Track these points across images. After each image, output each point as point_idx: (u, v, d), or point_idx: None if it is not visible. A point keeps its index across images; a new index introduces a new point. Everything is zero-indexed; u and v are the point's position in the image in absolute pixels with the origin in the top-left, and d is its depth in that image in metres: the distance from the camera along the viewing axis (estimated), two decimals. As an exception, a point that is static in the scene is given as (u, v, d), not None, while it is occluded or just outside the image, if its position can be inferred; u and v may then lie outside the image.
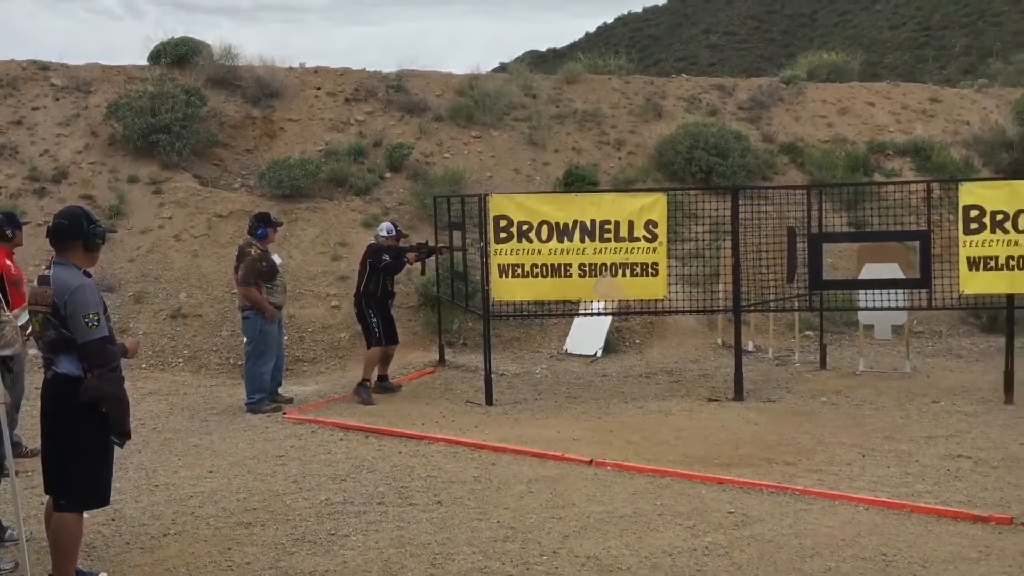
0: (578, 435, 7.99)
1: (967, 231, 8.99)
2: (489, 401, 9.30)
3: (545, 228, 9.34)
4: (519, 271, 9.33)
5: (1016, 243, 8.90)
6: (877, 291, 9.85)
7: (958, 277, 9.10)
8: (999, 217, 8.95)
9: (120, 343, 4.79)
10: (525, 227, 9.32)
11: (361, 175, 14.31)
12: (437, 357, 11.15)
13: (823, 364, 10.89)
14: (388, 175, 14.55)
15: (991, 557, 4.98)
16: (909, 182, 11.75)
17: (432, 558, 5.13)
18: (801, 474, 6.67)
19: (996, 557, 4.98)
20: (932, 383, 9.95)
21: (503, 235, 9.31)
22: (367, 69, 17.00)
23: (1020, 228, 8.91)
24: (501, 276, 9.32)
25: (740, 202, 9.82)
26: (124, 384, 4.63)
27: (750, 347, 11.82)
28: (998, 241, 8.94)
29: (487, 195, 9.52)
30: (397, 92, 16.20)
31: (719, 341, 12.10)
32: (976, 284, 9.05)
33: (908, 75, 49.13)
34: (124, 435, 4.60)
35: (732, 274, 9.58)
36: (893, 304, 9.86)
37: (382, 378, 9.90)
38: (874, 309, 9.96)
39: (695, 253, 12.65)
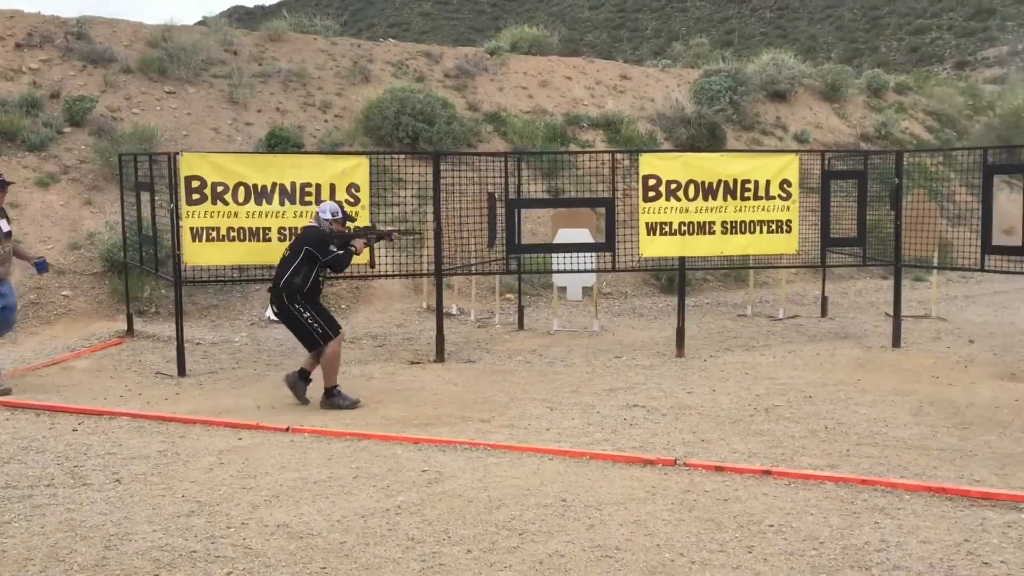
0: (277, 404, 7.79)
1: (646, 199, 9.70)
2: (182, 372, 8.83)
3: (242, 190, 8.95)
4: (214, 235, 8.88)
5: (687, 210, 9.74)
6: (569, 254, 10.41)
7: (639, 241, 9.83)
8: (673, 186, 9.73)
9: None
10: (220, 188, 8.87)
11: (35, 129, 12.94)
12: (125, 327, 10.40)
13: (521, 325, 11.37)
14: (68, 130, 13.28)
15: (657, 496, 5.42)
16: (596, 152, 12.48)
17: (106, 540, 4.77)
18: (494, 430, 6.92)
19: (661, 496, 5.43)
20: (616, 340, 10.71)
21: (196, 196, 8.80)
22: (42, 12, 15.37)
23: (691, 196, 9.76)
24: (194, 240, 8.82)
25: (443, 168, 9.95)
26: None
27: (454, 310, 12.11)
28: (672, 208, 9.73)
29: (177, 154, 8.95)
30: (78, 39, 14.80)
31: (424, 305, 12.28)
32: (653, 248, 9.80)
33: (607, 54, 52.30)
34: None
35: (435, 239, 9.72)
36: (584, 267, 10.48)
37: (305, 374, 7.94)
38: (563, 272, 10.52)
39: (402, 218, 12.71)
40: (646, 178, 9.72)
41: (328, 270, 7.88)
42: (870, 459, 6.13)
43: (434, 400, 7.87)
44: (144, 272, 10.69)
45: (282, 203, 8.98)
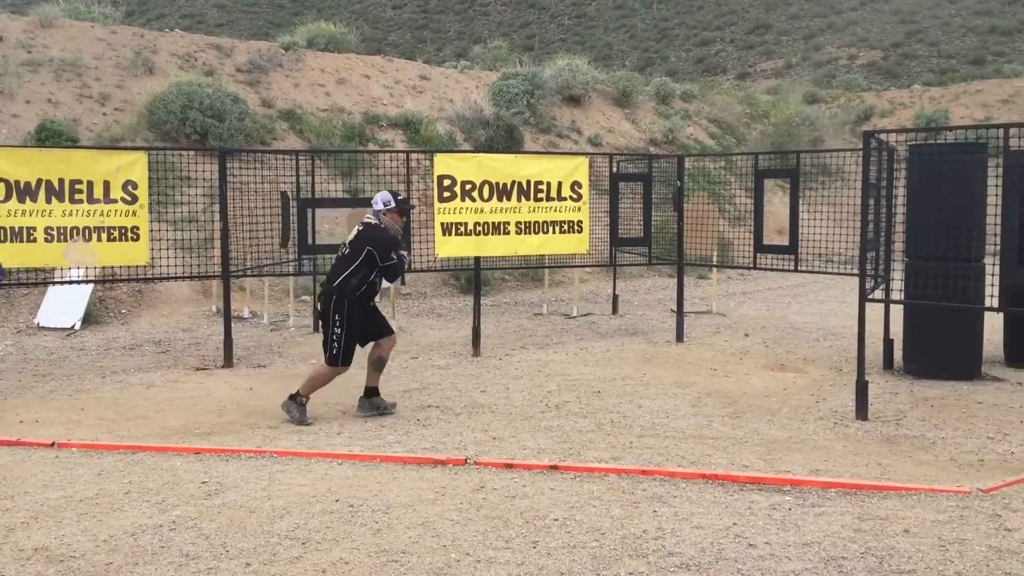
0: (43, 416, 7.20)
1: (441, 199, 9.71)
2: (-67, 386, 8.02)
3: (2, 187, 8.23)
4: (-31, 235, 8.11)
5: (482, 210, 9.82)
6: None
7: (435, 241, 9.81)
8: (468, 187, 9.79)
9: None
10: (-24, 184, 8.12)
11: None
12: None
13: (316, 328, 11.09)
14: None
15: (446, 496, 5.40)
16: (391, 151, 12.37)
17: None
18: (283, 436, 6.69)
19: (450, 496, 5.41)
20: (414, 340, 10.66)
21: (-54, 193, 8.02)
22: None
23: (486, 197, 9.86)
24: (-54, 240, 8.03)
25: (234, 166, 9.58)
26: None
27: (246, 313, 11.67)
28: (467, 208, 9.79)
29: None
30: None
31: (214, 308, 11.76)
32: (449, 248, 9.82)
33: (410, 54, 52.25)
34: None
35: (221, 239, 9.31)
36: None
37: (371, 391, 7.38)
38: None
39: (190, 217, 12.13)
40: (441, 178, 9.72)
41: (386, 277, 7.17)
42: (651, 450, 6.38)
43: (219, 408, 7.53)
44: None
45: (48, 201, 8.33)
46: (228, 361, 9.11)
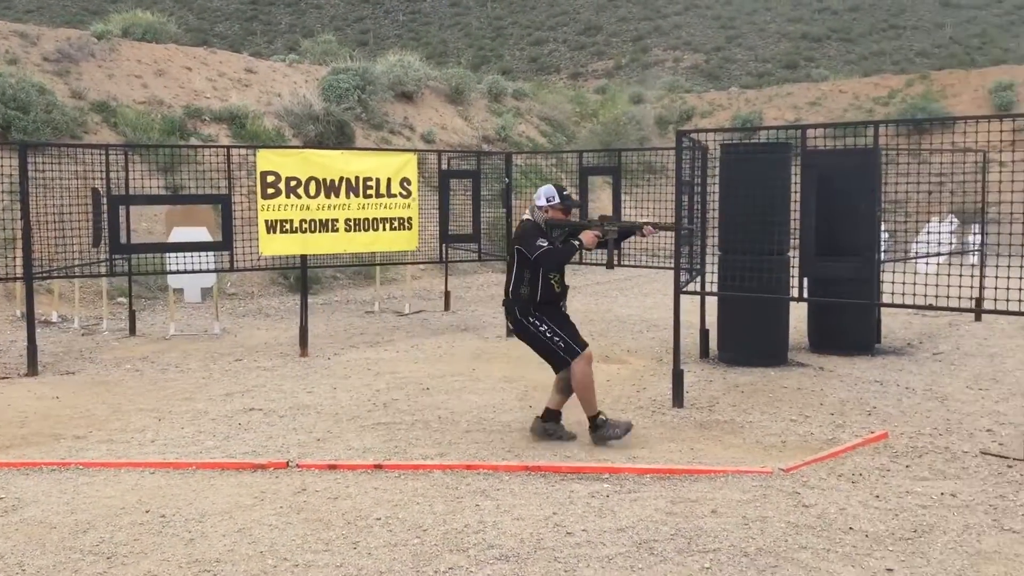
0: None
1: (265, 195, 9.44)
2: None
3: None
4: None
5: (309, 207, 9.63)
6: (186, 254, 9.86)
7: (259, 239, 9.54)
8: (293, 183, 9.57)
9: None
10: None
11: None
12: None
13: (133, 331, 10.59)
14: None
15: (265, 501, 5.26)
16: (211, 146, 11.92)
17: None
18: (90, 446, 6.34)
19: (270, 500, 5.27)
20: (239, 342, 10.33)
21: None
22: None
23: (312, 194, 9.66)
24: None
25: (40, 161, 9.00)
26: None
27: (55, 317, 10.99)
28: (293, 206, 9.56)
29: None
30: None
31: (18, 312, 11.01)
32: (274, 246, 9.57)
33: (238, 47, 50.58)
34: None
35: (23, 239, 8.72)
36: (203, 267, 9.97)
37: (552, 414, 6.55)
38: (177, 272, 9.96)
39: (-10, 216, 11.32)
40: (264, 175, 9.46)
41: (545, 268, 6.24)
42: (478, 444, 6.42)
43: (20, 418, 7.05)
44: None
45: None
46: (32, 369, 8.55)
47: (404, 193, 10.21)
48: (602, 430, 6.33)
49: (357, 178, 9.82)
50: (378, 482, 5.58)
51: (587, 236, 6.31)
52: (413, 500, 5.27)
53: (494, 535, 4.73)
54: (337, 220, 9.73)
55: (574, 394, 6.42)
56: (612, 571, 4.27)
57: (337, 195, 9.71)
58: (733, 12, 68.31)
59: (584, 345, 6.35)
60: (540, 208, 6.37)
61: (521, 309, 6.33)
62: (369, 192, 9.90)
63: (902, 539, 4.61)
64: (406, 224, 10.24)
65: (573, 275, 17.78)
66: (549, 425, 6.53)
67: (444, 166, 12.22)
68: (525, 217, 6.49)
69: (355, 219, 9.84)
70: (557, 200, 6.35)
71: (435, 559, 4.45)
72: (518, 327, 6.44)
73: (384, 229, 10.06)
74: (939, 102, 25.89)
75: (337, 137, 17.68)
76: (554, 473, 5.74)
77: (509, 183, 11.02)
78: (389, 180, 10.05)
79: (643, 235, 6.58)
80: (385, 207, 10.04)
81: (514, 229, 6.77)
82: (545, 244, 6.13)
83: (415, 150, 12.02)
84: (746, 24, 66.70)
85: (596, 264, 11.00)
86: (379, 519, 4.97)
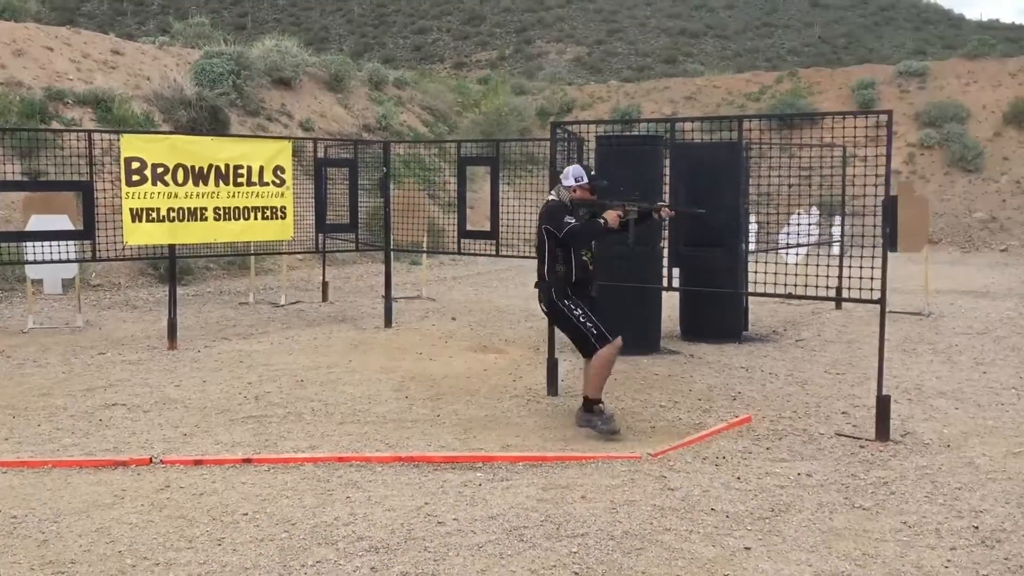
0: None
1: (129, 183, 9.07)
2: None
3: None
4: None
5: (176, 195, 9.30)
6: (45, 244, 9.40)
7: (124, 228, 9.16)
8: (160, 170, 9.22)
9: None
10: None
11: None
12: None
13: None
14: None
15: (126, 500, 5.07)
16: (71, 131, 11.36)
17: None
18: (-64, 447, 5.98)
19: (131, 499, 5.09)
20: (103, 335, 9.92)
21: None
22: None
23: (180, 181, 9.34)
24: None
25: None
26: None
27: (-100, 310, 10.32)
28: (160, 193, 9.22)
29: None
30: None
31: None
32: (139, 235, 9.20)
33: (108, 27, 48.46)
34: None
35: None
36: (64, 257, 9.53)
37: (592, 403, 6.40)
38: (34, 263, 9.49)
39: None
40: (129, 161, 9.08)
41: (575, 245, 6.35)
42: (351, 436, 6.36)
43: None
44: None
45: None
46: None
47: (278, 181, 9.98)
48: (591, 416, 6.37)
49: (227, 165, 9.55)
50: (246, 477, 5.46)
51: (611, 215, 6.39)
52: (282, 494, 5.18)
53: (364, 527, 4.69)
54: (206, 208, 9.44)
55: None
56: (481, 559, 4.29)
57: (206, 183, 9.42)
58: (615, 6, 69.50)
59: (616, 334, 6.38)
60: (568, 188, 6.46)
61: (557, 291, 6.40)
62: (240, 180, 9.64)
63: (760, 518, 4.80)
64: (280, 213, 10.02)
65: (455, 265, 17.80)
66: (596, 409, 6.49)
67: (321, 154, 12.01)
68: (551, 197, 6.58)
69: (225, 207, 9.57)
70: (585, 180, 6.47)
71: (303, 553, 4.38)
72: (552, 309, 6.49)
73: (256, 218, 9.82)
74: (806, 99, 26.99)
75: (211, 123, 17.15)
76: (427, 463, 5.73)
77: (387, 172, 10.92)
78: (262, 168, 9.81)
79: (660, 217, 6.80)
80: (257, 195, 9.79)
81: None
82: (573, 221, 6.25)
83: (290, 137, 11.75)
84: (627, 18, 67.98)
85: (479, 254, 11.04)
86: (246, 514, 4.87)
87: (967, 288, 15.17)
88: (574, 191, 6.47)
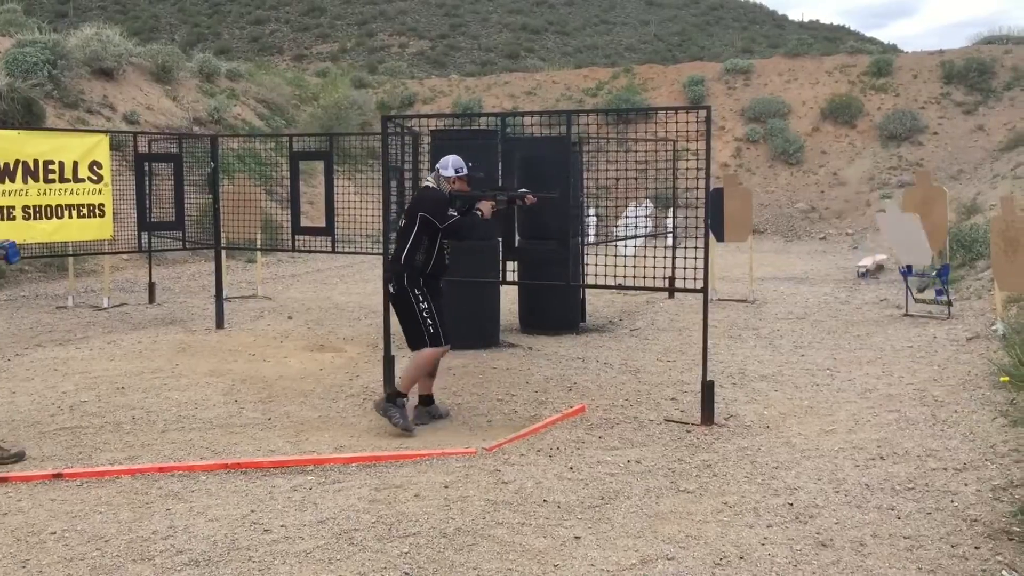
0: None
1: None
2: None
3: None
4: None
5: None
6: None
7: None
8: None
9: None
10: None
11: None
12: None
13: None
14: None
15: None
16: None
17: None
18: None
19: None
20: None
21: None
22: None
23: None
24: None
25: None
26: None
27: None
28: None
29: None
30: None
31: None
32: (-63, 236, 8.51)
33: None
34: None
35: None
36: None
37: (425, 399, 6.65)
38: None
39: None
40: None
41: (450, 237, 6.37)
42: (174, 444, 6.06)
43: None
44: None
45: None
46: None
47: (95, 178, 9.43)
48: (391, 407, 6.32)
49: (36, 161, 8.96)
50: (56, 493, 5.11)
51: (485, 206, 6.46)
52: (95, 510, 4.87)
53: (184, 540, 4.47)
54: (14, 207, 8.82)
55: (433, 378, 6.68)
56: (309, 566, 4.16)
57: (13, 179, 8.80)
58: (457, 0, 69.53)
59: (448, 341, 6.50)
60: (447, 179, 6.39)
61: (410, 277, 6.34)
62: (52, 176, 9.06)
63: (591, 507, 4.86)
64: (98, 211, 9.47)
65: (293, 262, 17.34)
66: (431, 408, 6.68)
67: (144, 149, 11.43)
68: (428, 184, 6.50)
69: (35, 206, 8.97)
70: (465, 171, 6.43)
71: (116, 571, 4.13)
72: (400, 294, 6.40)
73: (71, 216, 9.26)
74: (640, 95, 27.79)
75: (24, 116, 16.03)
76: (256, 469, 5.52)
77: (216, 168, 10.50)
78: (76, 163, 9.24)
79: (524, 203, 6.87)
80: (72, 192, 9.23)
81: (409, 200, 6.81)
82: (456, 215, 6.31)
83: (108, 131, 11.11)
84: (470, 13, 68.17)
85: (314, 251, 10.78)
86: (54, 533, 4.55)
87: (789, 275, 16.00)
88: (453, 182, 6.42)
